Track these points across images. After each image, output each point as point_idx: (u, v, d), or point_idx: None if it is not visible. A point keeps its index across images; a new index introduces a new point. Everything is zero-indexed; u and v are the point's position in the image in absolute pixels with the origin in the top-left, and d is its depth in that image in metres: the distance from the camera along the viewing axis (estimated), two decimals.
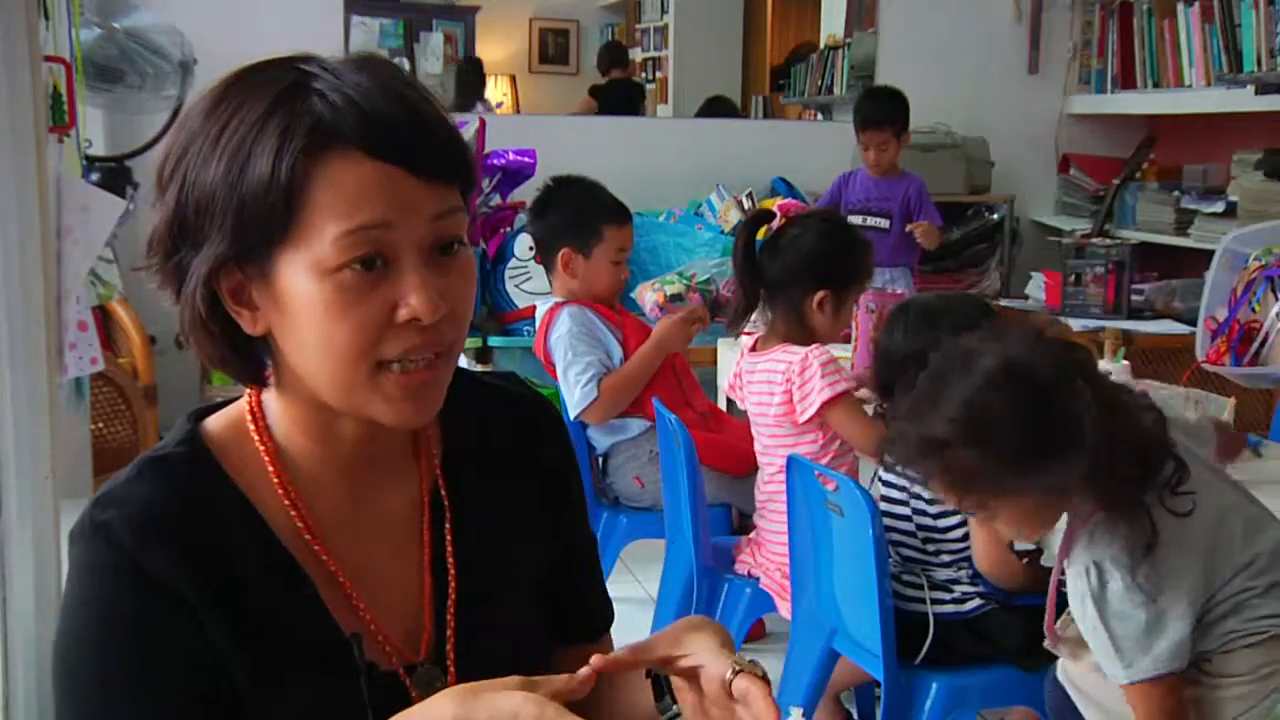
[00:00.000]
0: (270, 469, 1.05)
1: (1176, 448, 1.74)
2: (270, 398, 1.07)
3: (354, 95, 0.95)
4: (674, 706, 1.00)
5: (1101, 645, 1.76)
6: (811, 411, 2.63)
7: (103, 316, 3.57)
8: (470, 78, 6.14)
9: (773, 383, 2.71)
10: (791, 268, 2.72)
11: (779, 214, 2.78)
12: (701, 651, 1.00)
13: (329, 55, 1.00)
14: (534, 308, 3.60)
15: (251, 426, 1.06)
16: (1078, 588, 1.77)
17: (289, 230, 0.95)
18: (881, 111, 4.49)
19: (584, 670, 0.92)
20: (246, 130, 0.95)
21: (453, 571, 1.09)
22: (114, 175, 4.00)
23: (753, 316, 2.84)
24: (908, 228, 4.38)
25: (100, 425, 3.30)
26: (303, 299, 0.96)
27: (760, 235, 2.78)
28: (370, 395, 0.99)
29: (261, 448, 1.05)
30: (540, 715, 0.87)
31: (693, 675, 1.00)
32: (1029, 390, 1.66)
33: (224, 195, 0.95)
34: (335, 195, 0.95)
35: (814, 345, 2.68)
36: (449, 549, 1.10)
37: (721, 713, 0.98)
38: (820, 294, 2.70)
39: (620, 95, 6.35)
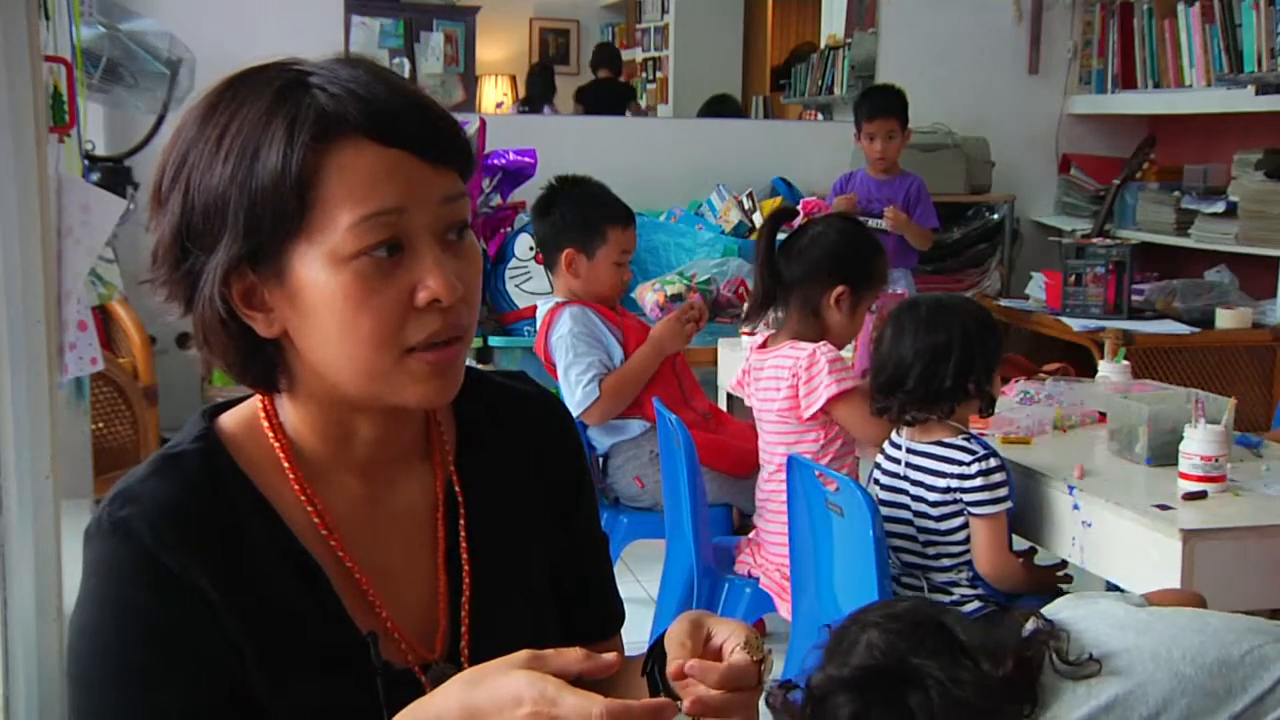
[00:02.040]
0: (285, 465, 1.05)
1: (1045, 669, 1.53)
2: (281, 399, 1.07)
3: (353, 86, 0.96)
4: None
5: None
6: (817, 407, 2.63)
7: (103, 316, 3.57)
8: (541, 79, 6.28)
9: (779, 378, 2.72)
10: (813, 263, 2.73)
11: (802, 212, 2.80)
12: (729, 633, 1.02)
13: (316, 58, 1.01)
14: (534, 308, 3.60)
15: (265, 424, 1.06)
16: None
17: (302, 223, 0.95)
18: (887, 101, 4.49)
19: (611, 655, 0.92)
20: (250, 129, 0.95)
21: (467, 568, 1.10)
22: (114, 175, 4.00)
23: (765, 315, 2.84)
24: (883, 214, 4.35)
25: (100, 425, 3.30)
26: (321, 291, 0.96)
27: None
28: (397, 380, 0.99)
29: (276, 444, 1.05)
30: (541, 694, 0.87)
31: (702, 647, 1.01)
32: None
33: (234, 195, 0.95)
34: (347, 183, 0.95)
35: (822, 343, 2.69)
36: (463, 546, 1.10)
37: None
38: (839, 289, 2.71)
39: (605, 96, 6.36)
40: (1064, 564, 2.50)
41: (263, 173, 0.94)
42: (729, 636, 1.00)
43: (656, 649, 1.06)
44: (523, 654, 0.91)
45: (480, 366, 4.19)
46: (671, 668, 0.99)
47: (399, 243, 0.97)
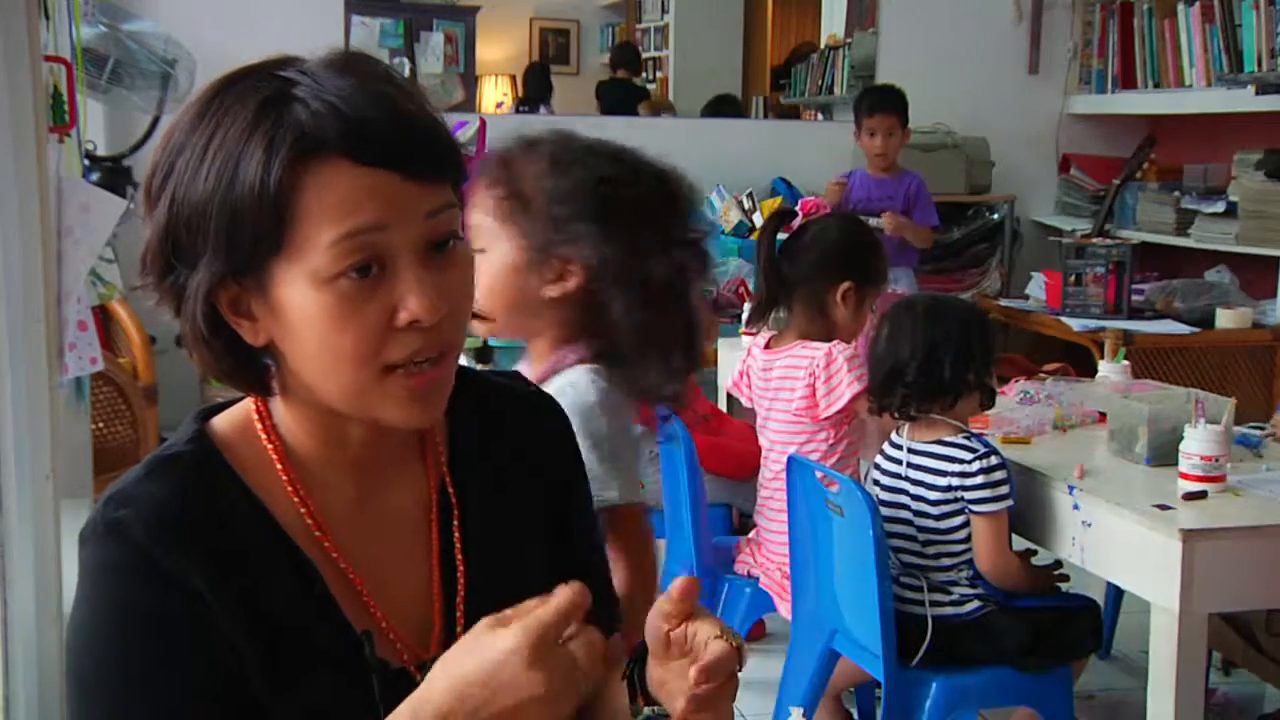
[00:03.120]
0: (279, 466, 1.05)
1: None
2: (275, 401, 1.07)
3: (336, 102, 0.95)
4: (645, 710, 1.00)
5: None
6: (841, 404, 2.63)
7: (103, 316, 3.57)
8: (538, 79, 6.29)
9: (795, 378, 2.71)
10: (816, 261, 2.74)
11: (800, 212, 2.80)
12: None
13: (311, 54, 1.00)
14: None
15: (259, 426, 1.06)
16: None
17: (282, 242, 0.95)
18: (888, 97, 4.50)
19: (575, 587, 0.93)
20: (233, 144, 0.95)
21: (461, 567, 1.10)
22: (114, 175, 4.00)
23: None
24: (881, 219, 4.34)
25: (100, 425, 3.30)
26: (302, 310, 0.96)
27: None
28: (378, 399, 0.99)
29: (269, 446, 1.05)
30: (528, 628, 0.89)
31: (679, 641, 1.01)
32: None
33: (215, 211, 0.95)
34: (325, 203, 0.95)
35: (835, 341, 2.69)
36: (457, 545, 1.10)
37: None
38: (845, 286, 2.71)
39: (617, 95, 6.37)
40: (1059, 564, 2.51)
41: (242, 190, 0.94)
42: (703, 623, 1.00)
43: (638, 652, 1.06)
44: (482, 621, 0.92)
45: (478, 366, 4.20)
46: (670, 608, 0.98)
47: (380, 261, 0.96)
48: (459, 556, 1.10)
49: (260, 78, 0.98)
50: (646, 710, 0.98)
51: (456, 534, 1.10)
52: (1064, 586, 2.52)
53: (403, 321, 0.97)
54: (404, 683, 1.04)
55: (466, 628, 1.08)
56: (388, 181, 0.96)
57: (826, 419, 2.68)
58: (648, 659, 1.04)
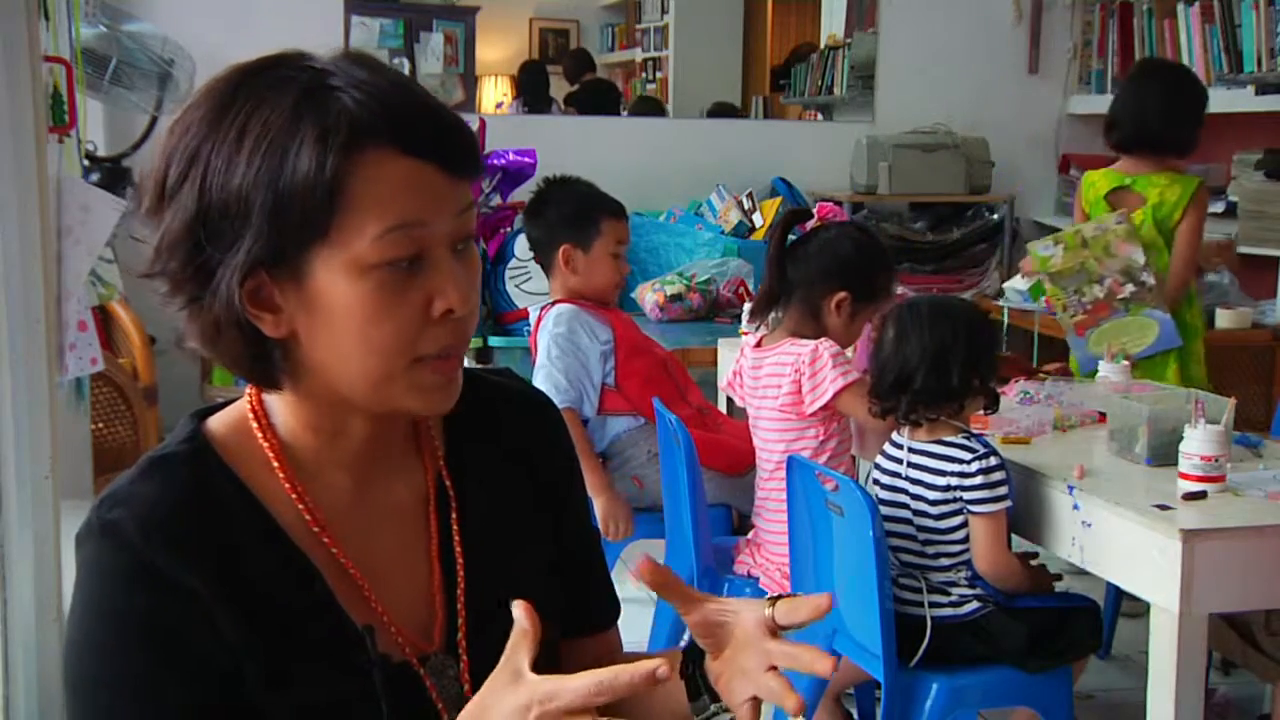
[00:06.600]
0: (275, 464, 1.05)
1: None
2: (273, 397, 1.07)
3: (375, 93, 0.96)
4: (710, 705, 1.01)
5: None
6: (825, 400, 2.63)
7: (103, 316, 3.57)
8: (536, 79, 6.29)
9: (781, 374, 2.72)
10: (819, 267, 2.74)
11: (817, 215, 2.81)
12: (738, 602, 1.04)
13: (323, 53, 1.00)
14: None
15: (254, 424, 1.06)
16: None
17: (329, 228, 0.95)
18: None
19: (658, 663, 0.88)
20: (276, 130, 0.94)
21: (460, 560, 1.10)
22: (114, 175, 4.00)
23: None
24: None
25: (100, 425, 3.30)
26: (340, 299, 0.96)
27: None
28: (405, 388, 1.00)
29: (265, 444, 1.05)
30: (545, 694, 0.87)
31: (721, 628, 1.04)
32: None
33: (259, 195, 0.94)
34: (374, 193, 0.95)
35: (823, 338, 2.69)
36: (456, 538, 1.11)
37: (756, 657, 1.04)
38: (841, 295, 2.72)
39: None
40: (1040, 562, 2.52)
41: (293, 175, 0.93)
42: (733, 603, 1.03)
43: (691, 651, 1.07)
44: (507, 671, 0.91)
45: (476, 366, 4.18)
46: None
47: (419, 254, 0.97)
48: (458, 550, 1.10)
49: (289, 69, 0.98)
50: (713, 706, 0.98)
51: (455, 527, 1.11)
52: (1063, 586, 2.52)
53: (439, 311, 0.98)
54: (406, 676, 1.04)
55: (468, 621, 1.09)
56: (430, 174, 0.97)
57: (812, 414, 2.68)
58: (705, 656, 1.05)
